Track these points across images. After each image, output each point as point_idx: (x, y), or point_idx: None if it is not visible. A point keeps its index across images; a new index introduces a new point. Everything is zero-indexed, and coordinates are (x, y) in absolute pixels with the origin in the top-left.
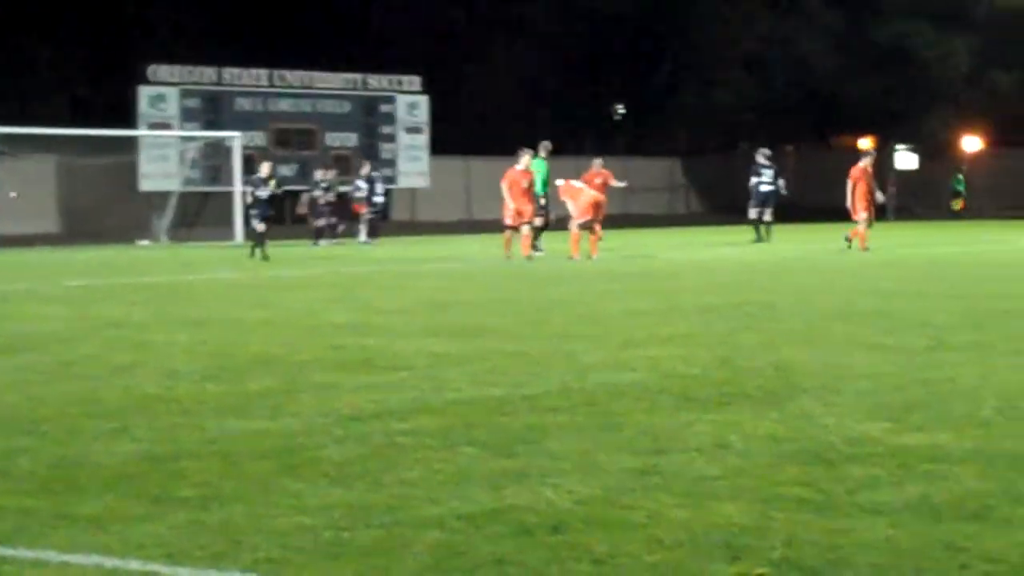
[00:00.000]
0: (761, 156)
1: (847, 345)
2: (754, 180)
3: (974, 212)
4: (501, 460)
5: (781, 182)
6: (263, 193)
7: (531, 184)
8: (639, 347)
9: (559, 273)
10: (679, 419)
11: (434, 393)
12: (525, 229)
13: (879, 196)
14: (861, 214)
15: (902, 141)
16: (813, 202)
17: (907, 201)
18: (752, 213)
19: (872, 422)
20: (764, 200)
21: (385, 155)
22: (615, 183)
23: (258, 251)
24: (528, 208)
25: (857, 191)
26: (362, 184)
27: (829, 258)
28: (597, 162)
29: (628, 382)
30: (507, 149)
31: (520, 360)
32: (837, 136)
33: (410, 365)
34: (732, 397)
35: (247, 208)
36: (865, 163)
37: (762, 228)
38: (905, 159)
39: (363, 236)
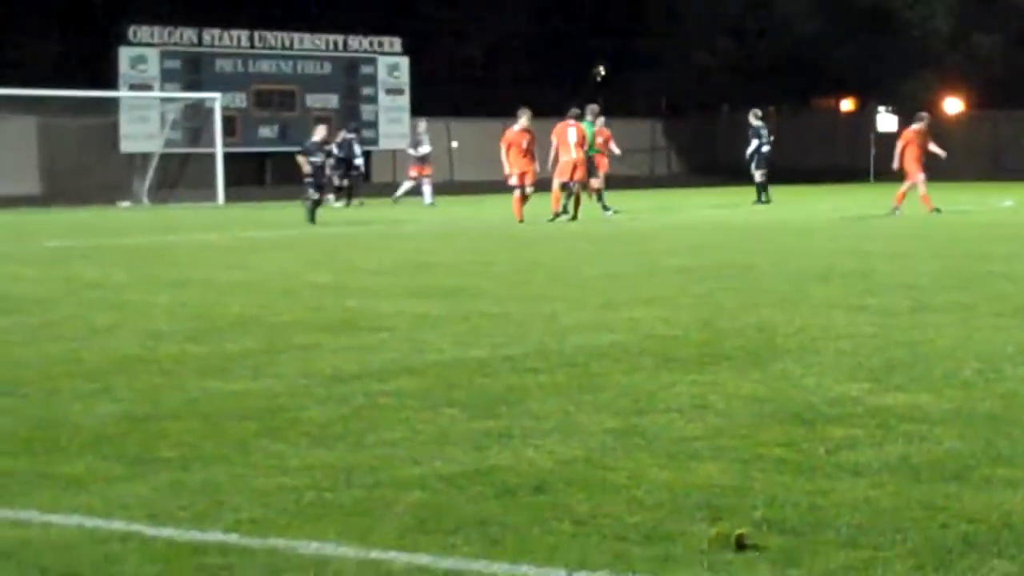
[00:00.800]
0: (754, 118)
1: (828, 306)
2: (755, 143)
3: (956, 174)
4: (483, 421)
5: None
6: (317, 159)
7: (530, 143)
8: (620, 309)
9: (540, 235)
10: (660, 380)
11: (415, 354)
12: (520, 192)
13: (940, 152)
14: (919, 175)
15: (883, 103)
16: (794, 164)
17: (888, 163)
18: (758, 176)
19: (852, 383)
20: (766, 161)
21: (366, 116)
22: (614, 148)
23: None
24: (531, 168)
25: (908, 153)
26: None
27: (816, 219)
28: (600, 120)
29: (609, 343)
30: (490, 111)
31: (501, 321)
32: (818, 98)
33: (391, 326)
34: (713, 358)
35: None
36: (919, 126)
37: (765, 190)
38: (886, 121)
39: (428, 198)
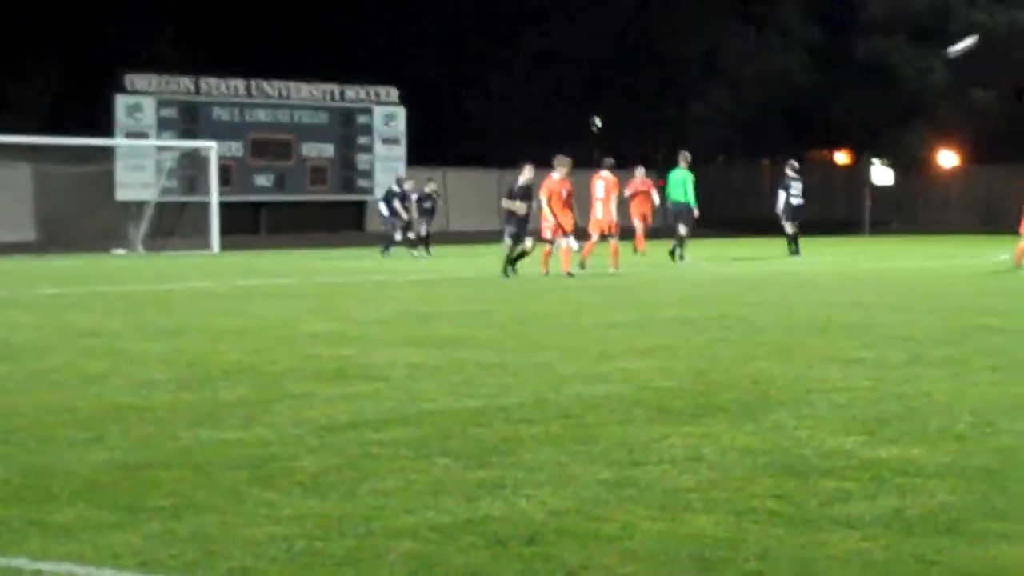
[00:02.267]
0: (790, 169)
1: (824, 359)
2: (783, 195)
3: (951, 227)
4: (476, 471)
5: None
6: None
7: (570, 194)
8: (615, 359)
9: (538, 286)
10: (654, 432)
11: (409, 404)
12: (565, 243)
13: None
14: None
15: (878, 155)
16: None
17: (883, 215)
18: (788, 228)
19: (846, 436)
20: (795, 214)
21: (362, 166)
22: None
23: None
24: (568, 219)
25: None
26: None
27: (814, 272)
28: (640, 171)
29: (603, 394)
30: (484, 162)
31: (496, 371)
32: (814, 150)
33: (386, 376)
34: (707, 410)
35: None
36: None
37: (795, 242)
38: (881, 174)
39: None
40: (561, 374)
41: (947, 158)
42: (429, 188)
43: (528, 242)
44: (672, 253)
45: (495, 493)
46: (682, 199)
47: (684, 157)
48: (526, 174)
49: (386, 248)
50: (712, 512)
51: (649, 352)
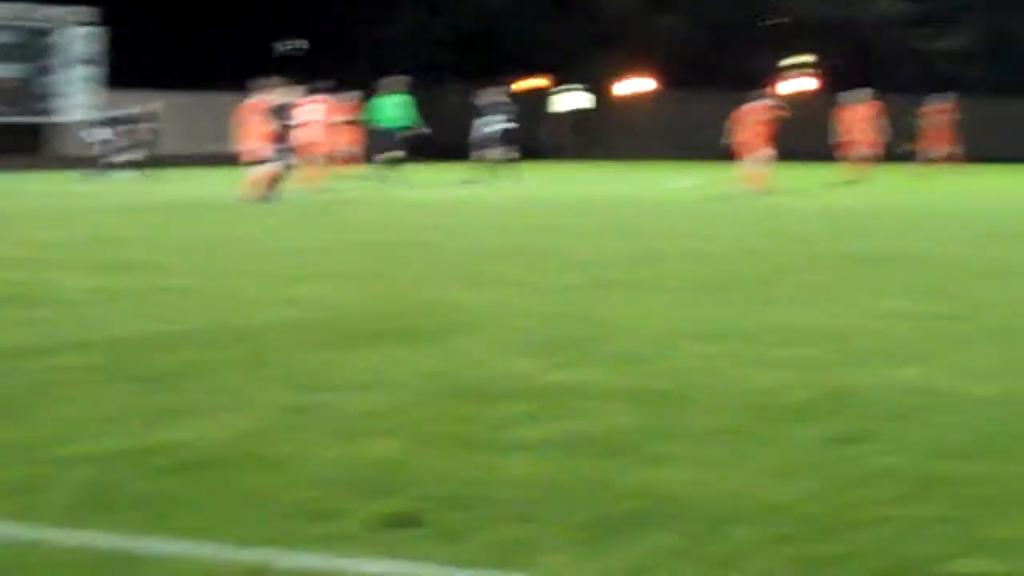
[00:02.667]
0: (502, 94)
1: (507, 283)
2: (492, 119)
3: (646, 152)
4: (158, 396)
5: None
6: None
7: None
8: (302, 283)
9: (239, 211)
10: (335, 356)
11: (94, 329)
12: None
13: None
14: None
15: (570, 82)
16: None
17: (579, 141)
18: (500, 153)
19: (526, 359)
20: (509, 138)
21: (55, 88)
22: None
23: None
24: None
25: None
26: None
27: (500, 198)
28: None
29: (287, 319)
30: (188, 84)
31: (183, 296)
32: (508, 76)
33: (71, 299)
34: (389, 334)
35: None
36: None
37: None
38: (574, 99)
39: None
40: (247, 298)
41: (639, 84)
42: (142, 110)
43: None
44: (382, 176)
45: (176, 418)
46: (397, 123)
47: (398, 82)
48: (282, 94)
49: (94, 172)
50: (388, 436)
51: (335, 276)
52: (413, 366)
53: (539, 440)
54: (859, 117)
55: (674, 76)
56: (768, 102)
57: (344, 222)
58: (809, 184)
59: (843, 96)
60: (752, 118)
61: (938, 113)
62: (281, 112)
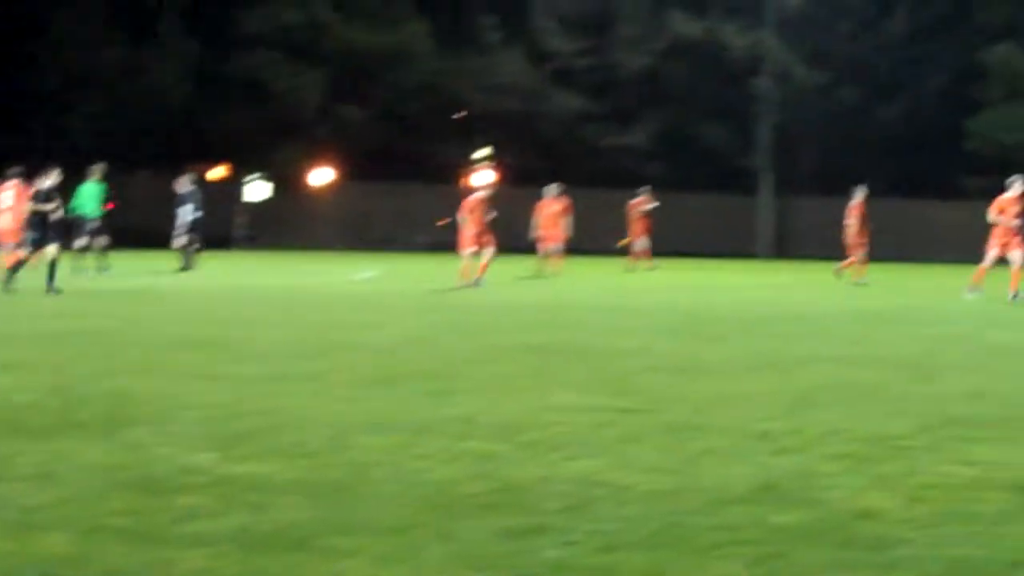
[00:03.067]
0: (187, 182)
1: (187, 375)
2: (184, 208)
3: (325, 242)
4: None
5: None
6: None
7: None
8: None
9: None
10: (7, 448)
11: None
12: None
13: None
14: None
15: (255, 171)
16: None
17: (260, 231)
18: (183, 241)
19: (202, 452)
20: (194, 226)
21: None
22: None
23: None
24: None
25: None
26: None
27: (190, 287)
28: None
29: None
30: None
31: None
32: (192, 165)
33: None
34: (64, 426)
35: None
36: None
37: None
38: (258, 189)
39: None
40: None
41: (322, 175)
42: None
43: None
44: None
45: None
46: (95, 212)
47: (98, 169)
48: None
49: None
50: (62, 530)
51: (8, 366)
52: (87, 459)
53: (217, 534)
54: (548, 211)
55: (359, 167)
56: (481, 195)
57: (26, 311)
58: (500, 278)
59: (543, 190)
60: (471, 210)
61: (636, 207)
62: None
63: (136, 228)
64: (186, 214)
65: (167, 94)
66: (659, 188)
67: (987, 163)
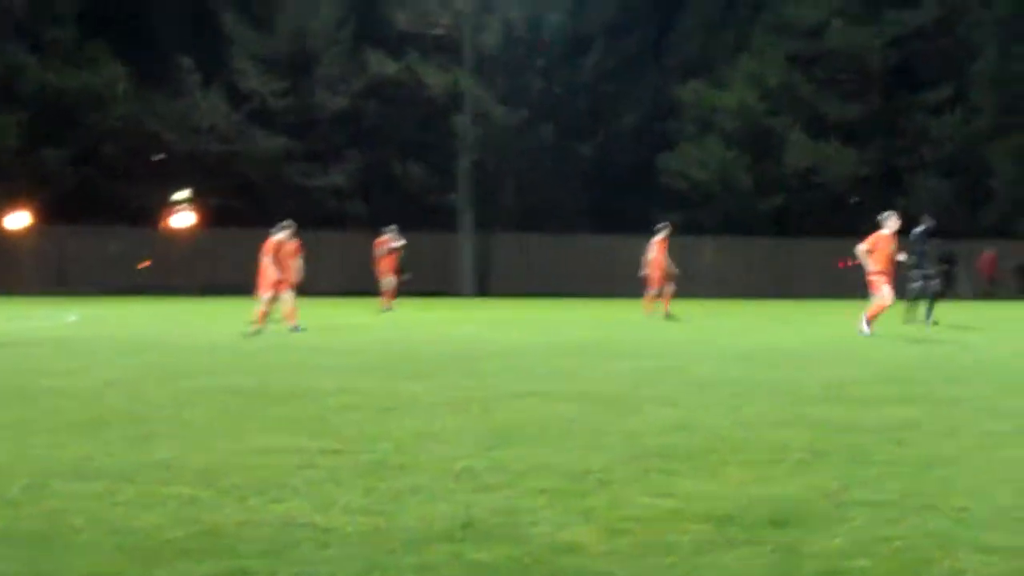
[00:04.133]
0: None
1: None
2: None
3: (24, 288)
4: None
5: None
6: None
7: None
8: None
9: None
10: None
11: None
12: None
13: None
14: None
15: None
16: None
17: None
18: None
19: None
20: None
21: None
22: None
23: None
24: None
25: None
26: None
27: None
28: None
29: None
30: None
31: None
32: None
33: None
34: None
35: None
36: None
37: None
38: None
39: None
40: None
41: (19, 218)
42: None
43: None
44: None
45: None
46: None
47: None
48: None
49: None
50: None
51: None
52: None
53: None
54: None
55: (58, 210)
56: (282, 236)
57: None
58: (193, 318)
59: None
60: (271, 252)
61: (381, 246)
62: None
63: None
64: None
65: None
66: (360, 227)
67: (679, 198)
